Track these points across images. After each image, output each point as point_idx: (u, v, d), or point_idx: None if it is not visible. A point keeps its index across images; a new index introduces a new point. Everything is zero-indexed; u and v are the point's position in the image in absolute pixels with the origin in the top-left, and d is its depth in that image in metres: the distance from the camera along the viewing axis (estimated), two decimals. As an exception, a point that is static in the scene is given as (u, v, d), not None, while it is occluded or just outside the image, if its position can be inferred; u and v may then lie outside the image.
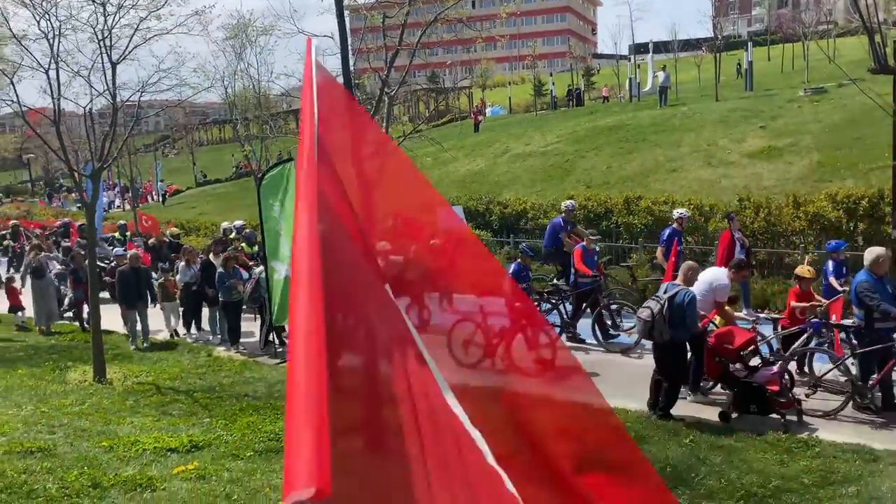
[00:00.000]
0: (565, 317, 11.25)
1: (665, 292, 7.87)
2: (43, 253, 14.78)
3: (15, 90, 9.05)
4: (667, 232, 12.51)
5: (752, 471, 6.45)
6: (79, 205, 43.38)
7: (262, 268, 11.82)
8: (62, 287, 14.66)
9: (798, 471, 6.45)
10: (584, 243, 11.64)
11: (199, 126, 56.14)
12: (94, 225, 10.11)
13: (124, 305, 12.21)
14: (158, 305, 13.11)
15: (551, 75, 45.02)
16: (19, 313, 14.29)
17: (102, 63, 9.17)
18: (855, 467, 6.47)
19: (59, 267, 15.19)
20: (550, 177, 23.94)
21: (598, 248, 12.29)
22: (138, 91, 9.50)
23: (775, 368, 7.67)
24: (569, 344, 10.77)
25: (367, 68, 7.47)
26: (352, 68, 7.12)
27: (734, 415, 7.72)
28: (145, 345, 12.24)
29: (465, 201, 20.25)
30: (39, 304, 13.74)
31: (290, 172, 11.70)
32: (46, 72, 8.88)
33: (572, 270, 11.69)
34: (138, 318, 12.21)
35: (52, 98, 9.07)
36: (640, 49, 49.81)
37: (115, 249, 15.60)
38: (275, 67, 66.87)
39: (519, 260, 10.98)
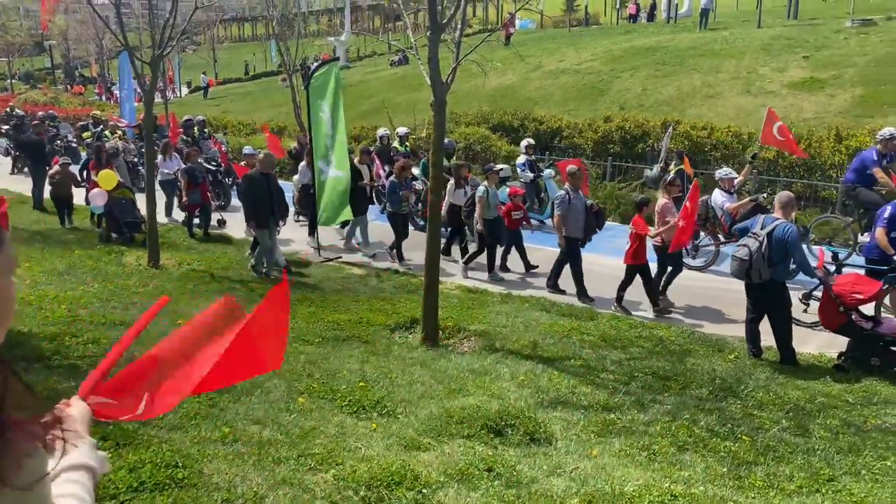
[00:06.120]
0: None
1: (762, 227, 7.25)
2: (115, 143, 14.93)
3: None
4: (869, 155, 10.52)
5: (797, 387, 6.73)
6: (97, 95, 43.02)
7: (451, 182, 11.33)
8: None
9: (840, 390, 6.74)
10: None
11: (218, 23, 54.86)
12: (151, 115, 10.12)
13: (255, 223, 10.05)
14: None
15: (586, -10, 43.57)
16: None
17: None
18: (894, 391, 6.75)
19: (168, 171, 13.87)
20: (584, 96, 23.58)
21: None
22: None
23: None
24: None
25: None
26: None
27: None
28: (274, 273, 10.01)
29: (500, 116, 20.09)
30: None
31: (338, 74, 11.65)
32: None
33: None
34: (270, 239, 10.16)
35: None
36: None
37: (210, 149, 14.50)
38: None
39: None
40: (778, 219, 7.27)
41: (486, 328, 8.08)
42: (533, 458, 4.63)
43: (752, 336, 7.61)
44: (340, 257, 11.73)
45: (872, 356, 7.15)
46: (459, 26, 7.47)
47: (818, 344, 8.05)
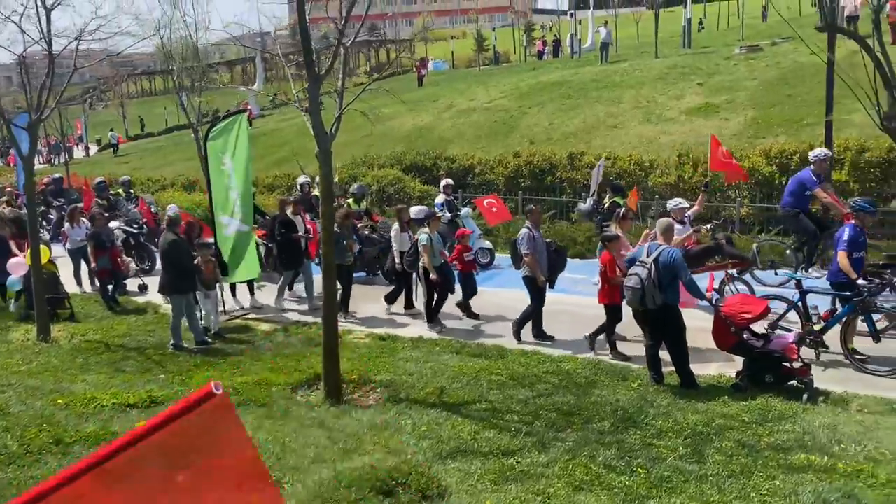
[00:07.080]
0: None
1: (649, 255, 7.41)
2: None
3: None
4: (807, 177, 10.52)
5: (696, 411, 6.83)
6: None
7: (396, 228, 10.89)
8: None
9: (738, 410, 6.86)
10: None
11: (128, 77, 53.81)
12: (33, 180, 9.66)
13: (178, 291, 9.39)
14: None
15: (493, 30, 44.72)
16: None
17: (36, 8, 8.68)
18: (789, 406, 6.92)
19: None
20: (495, 133, 23.99)
21: None
22: (76, 39, 9.06)
23: (791, 336, 7.45)
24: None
25: (323, 17, 7.29)
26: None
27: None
28: (208, 341, 9.49)
29: (413, 157, 20.19)
30: None
31: (242, 125, 11.38)
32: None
33: None
34: (199, 307, 9.89)
35: (-17, 45, 8.55)
36: (580, 4, 50.00)
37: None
38: (211, 18, 65.08)
39: (855, 221, 8.16)
40: (661, 245, 7.50)
41: (393, 377, 7.93)
42: (422, 518, 4.49)
43: (653, 363, 7.72)
44: (248, 313, 11.39)
45: (766, 373, 7.37)
46: (341, 76, 7.45)
47: (718, 365, 8.23)
